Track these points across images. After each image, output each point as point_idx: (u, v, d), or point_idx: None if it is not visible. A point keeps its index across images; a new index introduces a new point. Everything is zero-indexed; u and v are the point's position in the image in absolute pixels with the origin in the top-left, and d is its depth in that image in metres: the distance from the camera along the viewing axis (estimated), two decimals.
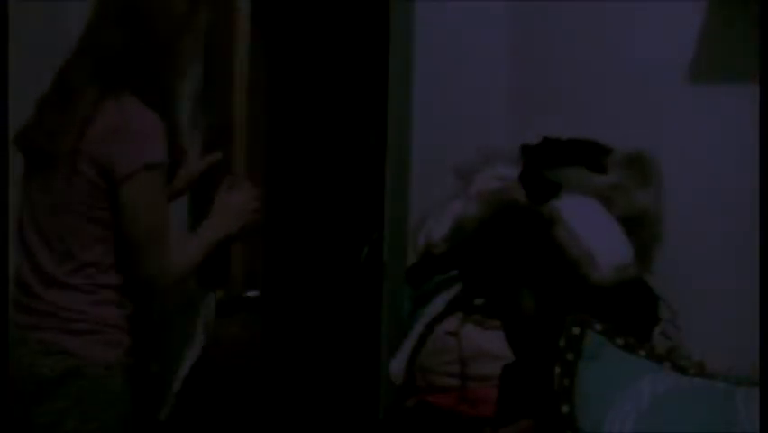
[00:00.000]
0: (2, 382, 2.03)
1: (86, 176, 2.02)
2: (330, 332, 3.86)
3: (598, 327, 2.02)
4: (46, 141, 2.06)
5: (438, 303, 2.56)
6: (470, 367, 2.43)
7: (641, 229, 2.40)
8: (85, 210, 2.05)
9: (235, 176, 2.44)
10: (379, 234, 3.21)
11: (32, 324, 2.07)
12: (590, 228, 2.27)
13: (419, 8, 3.04)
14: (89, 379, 2.04)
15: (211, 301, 2.77)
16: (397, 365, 2.58)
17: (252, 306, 3.61)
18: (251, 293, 3.60)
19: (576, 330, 2.01)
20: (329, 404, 3.83)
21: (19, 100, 2.37)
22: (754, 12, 2.29)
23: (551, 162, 2.50)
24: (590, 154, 2.51)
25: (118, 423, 2.08)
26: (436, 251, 2.62)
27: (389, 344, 2.98)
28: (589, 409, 1.93)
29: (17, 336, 2.09)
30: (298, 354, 4.03)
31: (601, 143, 2.55)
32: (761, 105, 2.16)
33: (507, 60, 3.13)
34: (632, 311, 2.23)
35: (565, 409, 1.96)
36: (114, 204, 2.03)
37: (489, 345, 2.43)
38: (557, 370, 1.99)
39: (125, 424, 2.10)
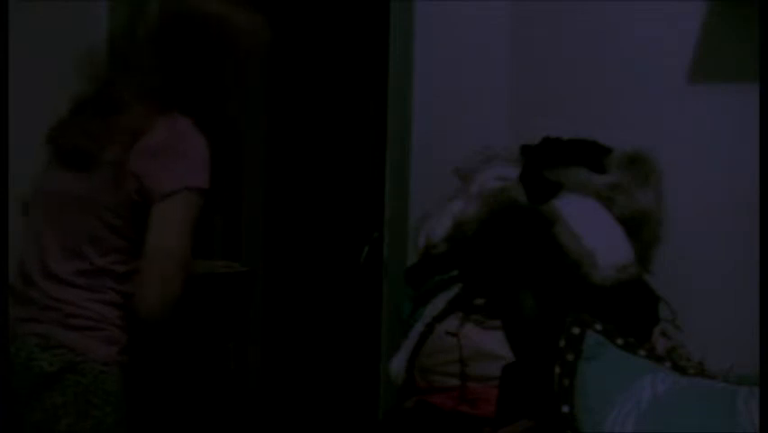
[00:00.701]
0: (2, 381, 2.02)
1: (125, 188, 2.02)
2: (330, 332, 3.86)
3: (598, 326, 2.02)
4: (88, 144, 2.06)
5: (438, 303, 2.56)
6: (470, 367, 2.43)
7: (641, 229, 2.40)
8: (112, 219, 2.05)
9: None
10: (379, 234, 3.21)
11: (31, 316, 2.07)
12: (590, 228, 2.27)
13: (419, 8, 3.05)
14: (87, 375, 2.03)
15: None
16: (396, 365, 2.58)
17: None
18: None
19: (576, 330, 2.01)
20: (329, 404, 3.83)
21: (19, 100, 2.38)
22: (753, 12, 2.29)
23: (551, 162, 2.50)
24: (590, 154, 2.51)
25: (114, 421, 2.06)
26: (436, 251, 2.62)
27: (389, 344, 2.98)
28: (589, 409, 1.93)
29: (14, 329, 2.08)
30: (298, 354, 4.03)
31: (601, 143, 2.55)
32: (761, 105, 2.16)
33: (507, 60, 3.13)
34: (632, 311, 2.23)
35: (565, 409, 1.96)
36: (147, 219, 2.01)
37: (489, 345, 2.42)
38: (557, 370, 1.99)
39: (120, 422, 2.09)
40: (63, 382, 2.02)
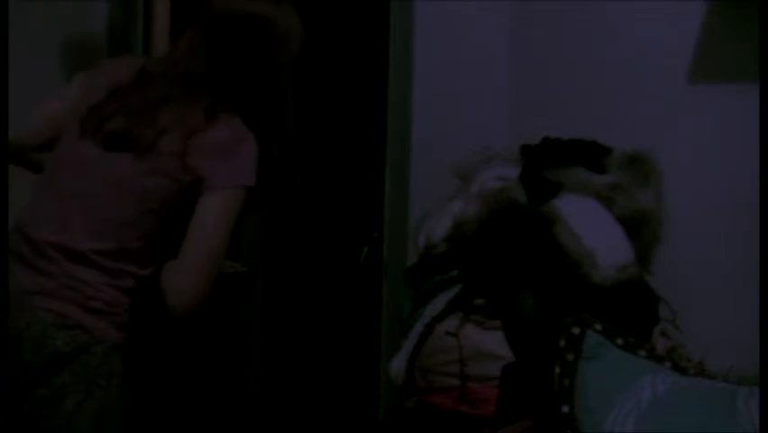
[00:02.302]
0: (2, 381, 2.02)
1: (179, 178, 2.06)
2: (330, 332, 3.86)
3: (598, 326, 2.02)
4: (142, 130, 2.08)
5: (438, 303, 2.56)
6: (470, 367, 2.43)
7: (641, 229, 2.40)
8: (152, 204, 2.07)
9: None
10: (379, 234, 3.21)
11: (45, 290, 2.05)
12: (590, 228, 2.27)
13: (419, 8, 3.05)
14: (98, 356, 2.04)
15: None
16: (396, 365, 2.58)
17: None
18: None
19: (576, 330, 2.01)
20: (329, 404, 3.82)
21: (19, 100, 2.38)
22: (753, 12, 2.29)
23: (551, 162, 2.50)
24: (590, 154, 2.51)
25: (115, 405, 2.08)
26: (436, 251, 2.62)
27: (389, 344, 2.98)
28: (589, 409, 1.93)
29: (23, 300, 2.05)
30: (298, 355, 4.03)
31: (601, 143, 2.55)
32: (761, 105, 2.16)
33: (507, 60, 3.14)
34: (632, 311, 2.23)
35: (565, 409, 1.96)
36: (186, 209, 2.05)
37: (489, 345, 2.42)
38: (557, 370, 1.99)
39: (120, 406, 2.10)
40: (74, 361, 2.02)
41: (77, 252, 2.07)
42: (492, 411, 2.29)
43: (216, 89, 2.13)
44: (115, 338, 2.08)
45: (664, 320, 2.34)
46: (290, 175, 2.30)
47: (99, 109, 2.16)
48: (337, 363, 3.80)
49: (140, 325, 2.16)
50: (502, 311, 2.33)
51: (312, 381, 3.93)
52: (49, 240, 2.08)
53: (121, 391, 2.11)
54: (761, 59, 2.18)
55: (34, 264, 2.08)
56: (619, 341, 2.02)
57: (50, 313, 2.03)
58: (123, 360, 2.11)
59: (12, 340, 2.01)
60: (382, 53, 3.14)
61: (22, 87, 2.50)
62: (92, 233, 2.08)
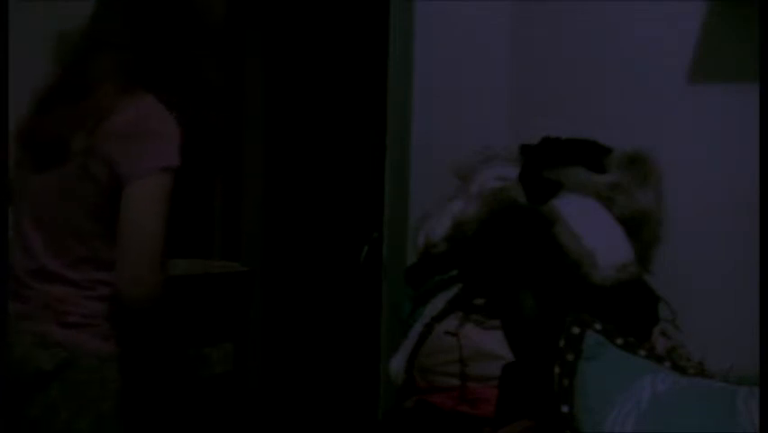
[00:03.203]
0: (2, 381, 2.02)
1: (97, 173, 1.99)
2: (330, 332, 3.86)
3: (598, 326, 2.02)
4: (58, 134, 2.03)
5: (438, 303, 2.56)
6: (470, 367, 2.43)
7: (641, 229, 2.40)
8: (90, 207, 2.02)
9: None
10: (379, 234, 3.21)
11: (25, 314, 2.06)
12: (590, 228, 2.27)
13: (419, 8, 3.05)
14: (85, 370, 2.02)
15: None
16: (396, 365, 2.58)
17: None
18: None
19: (576, 330, 2.01)
20: (329, 404, 3.82)
21: (19, 100, 2.38)
22: (753, 12, 2.29)
23: (551, 162, 2.50)
24: (590, 154, 2.51)
25: (114, 415, 2.06)
26: (436, 251, 2.62)
27: (389, 344, 2.98)
28: (589, 409, 1.93)
29: (10, 326, 2.06)
30: (298, 355, 4.03)
31: (601, 143, 2.55)
32: (761, 105, 2.16)
33: (507, 60, 3.13)
34: (632, 311, 2.22)
35: (565, 409, 1.96)
36: (120, 203, 1.98)
37: (489, 345, 2.42)
38: (557, 370, 1.99)
39: (120, 416, 2.08)
40: (60, 378, 2.01)
41: (44, 272, 2.06)
42: (492, 411, 2.28)
43: (128, 70, 2.03)
44: (102, 349, 2.04)
45: (664, 320, 2.34)
46: (226, 148, 2.20)
47: (30, 124, 2.12)
48: (337, 363, 3.80)
49: (132, 330, 2.14)
50: (502, 311, 2.33)
51: (312, 380, 3.93)
52: (21, 266, 2.08)
53: (120, 399, 2.08)
54: (761, 59, 2.18)
55: (18, 292, 2.08)
56: (619, 341, 2.02)
57: (32, 335, 2.03)
58: (118, 368, 2.07)
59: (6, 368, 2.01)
60: (382, 53, 3.14)
61: (23, 88, 2.49)
62: (51, 250, 2.06)
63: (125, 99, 2.00)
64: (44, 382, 2.01)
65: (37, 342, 2.02)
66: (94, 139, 1.98)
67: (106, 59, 2.05)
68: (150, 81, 2.04)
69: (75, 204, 2.03)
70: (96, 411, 2.04)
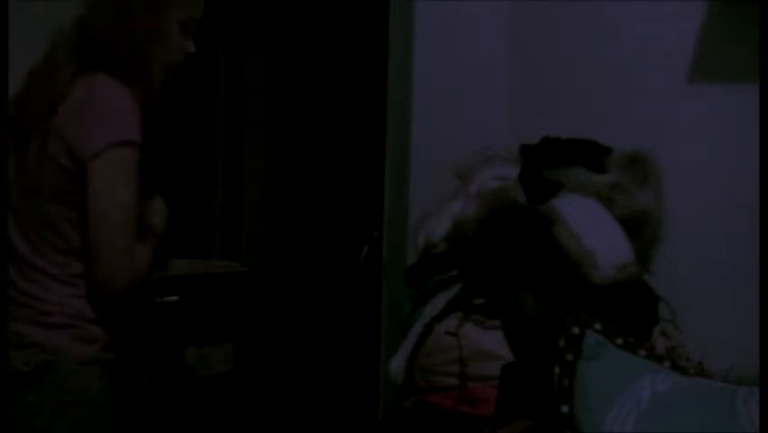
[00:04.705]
0: (2, 381, 2.00)
1: (55, 156, 1.96)
2: (329, 332, 3.86)
3: (598, 326, 2.02)
4: (22, 122, 2.02)
5: (438, 303, 2.56)
6: (470, 367, 2.42)
7: (641, 229, 2.40)
8: (57, 193, 1.98)
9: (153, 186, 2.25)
10: (379, 234, 3.21)
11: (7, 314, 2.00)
12: (590, 228, 2.27)
13: (419, 8, 3.04)
14: (62, 375, 1.97)
15: None
16: (396, 365, 2.58)
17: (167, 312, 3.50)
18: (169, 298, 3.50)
19: (576, 330, 2.01)
20: (328, 404, 3.82)
21: None
22: (753, 12, 2.29)
23: (551, 162, 2.50)
24: (590, 154, 2.51)
25: (94, 420, 2.02)
26: (436, 251, 2.62)
27: (389, 344, 2.98)
28: (588, 409, 1.93)
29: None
30: (298, 355, 4.03)
31: (601, 143, 2.55)
32: (761, 105, 2.16)
33: (507, 60, 3.13)
34: (632, 311, 2.22)
35: (565, 409, 1.96)
36: (83, 185, 1.94)
37: (488, 345, 2.42)
38: (557, 370, 1.99)
39: (102, 421, 2.04)
40: (38, 381, 1.97)
41: (25, 268, 2.02)
42: (492, 411, 2.28)
43: (83, 53, 2.01)
44: (82, 353, 2.00)
45: (664, 320, 2.34)
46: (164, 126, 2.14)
47: (13, 113, 2.09)
48: (337, 363, 3.81)
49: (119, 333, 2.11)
50: (502, 311, 2.32)
51: (312, 380, 3.94)
52: (6, 264, 2.03)
53: (101, 406, 2.03)
54: (761, 59, 2.18)
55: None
56: (619, 341, 2.02)
57: (11, 335, 1.96)
58: (102, 372, 2.03)
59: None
60: (382, 53, 3.14)
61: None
62: (28, 242, 2.02)
63: (77, 81, 1.98)
64: (22, 383, 1.96)
65: (15, 342, 1.97)
66: (50, 123, 1.95)
67: (73, 41, 2.04)
68: (104, 62, 2.00)
69: (41, 191, 1.99)
70: (73, 418, 1.99)
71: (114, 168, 1.94)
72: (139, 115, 1.96)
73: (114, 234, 1.94)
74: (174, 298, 3.48)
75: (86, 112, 1.95)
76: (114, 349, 2.08)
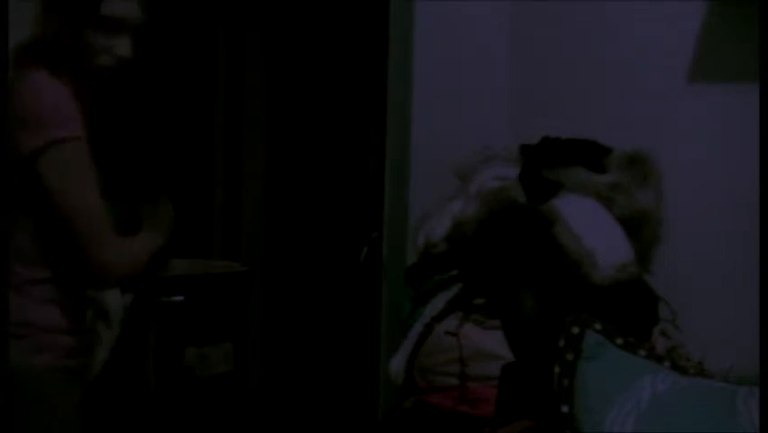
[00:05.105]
0: (2, 381, 1.98)
1: (8, 164, 1.89)
2: (329, 332, 3.86)
3: (598, 326, 2.02)
4: None
5: (438, 303, 2.56)
6: (470, 367, 2.43)
7: (641, 229, 2.40)
8: (17, 202, 1.92)
9: (160, 190, 2.23)
10: (378, 234, 3.21)
11: None
12: (590, 228, 2.27)
13: (419, 8, 3.04)
14: (16, 387, 1.87)
15: (112, 299, 2.66)
16: (396, 365, 2.58)
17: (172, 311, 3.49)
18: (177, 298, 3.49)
19: (576, 330, 2.01)
20: (328, 404, 3.83)
21: None
22: (753, 12, 2.29)
23: (551, 162, 2.50)
24: (590, 154, 2.51)
25: (59, 429, 1.95)
26: (436, 251, 2.62)
27: (389, 344, 2.98)
28: (588, 409, 1.93)
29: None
30: (298, 355, 4.03)
31: (601, 143, 2.55)
32: (761, 105, 2.16)
33: (507, 60, 3.13)
34: (632, 311, 2.22)
35: (565, 409, 1.96)
36: (33, 186, 1.89)
37: (488, 345, 2.42)
38: (557, 370, 1.99)
39: (68, 429, 1.97)
40: None
41: None
42: (492, 411, 2.28)
43: (25, 53, 1.97)
44: (40, 363, 1.92)
45: (664, 320, 2.34)
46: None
47: None
48: (337, 363, 3.81)
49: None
50: (502, 311, 2.32)
51: (312, 380, 3.94)
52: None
53: (63, 413, 1.96)
54: (761, 59, 2.18)
55: None
56: (619, 341, 2.02)
57: None
58: (62, 380, 1.96)
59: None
60: (382, 53, 3.14)
61: None
62: None
63: (20, 80, 1.94)
64: None
65: None
66: None
67: (25, 44, 2.00)
68: (40, 58, 1.95)
69: None
70: (35, 429, 1.92)
71: (60, 166, 1.89)
72: (79, 109, 1.91)
73: (84, 228, 1.90)
74: (180, 298, 3.48)
75: (23, 113, 1.90)
76: (76, 356, 2.01)
